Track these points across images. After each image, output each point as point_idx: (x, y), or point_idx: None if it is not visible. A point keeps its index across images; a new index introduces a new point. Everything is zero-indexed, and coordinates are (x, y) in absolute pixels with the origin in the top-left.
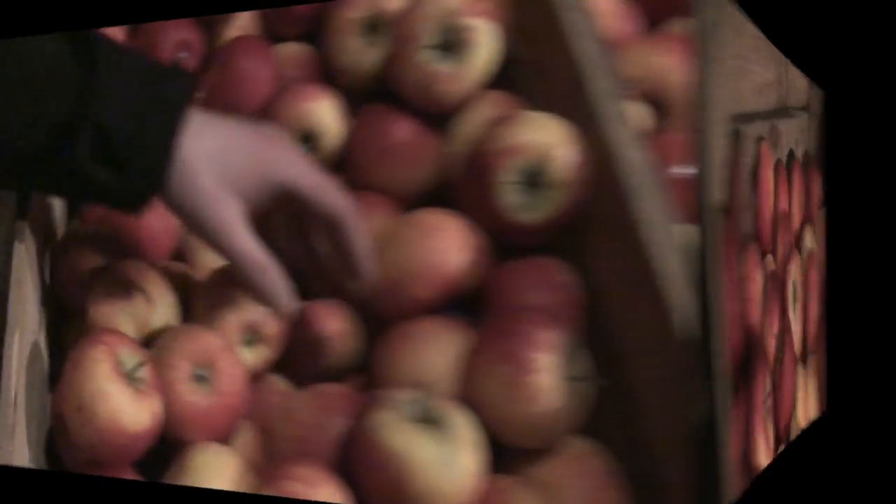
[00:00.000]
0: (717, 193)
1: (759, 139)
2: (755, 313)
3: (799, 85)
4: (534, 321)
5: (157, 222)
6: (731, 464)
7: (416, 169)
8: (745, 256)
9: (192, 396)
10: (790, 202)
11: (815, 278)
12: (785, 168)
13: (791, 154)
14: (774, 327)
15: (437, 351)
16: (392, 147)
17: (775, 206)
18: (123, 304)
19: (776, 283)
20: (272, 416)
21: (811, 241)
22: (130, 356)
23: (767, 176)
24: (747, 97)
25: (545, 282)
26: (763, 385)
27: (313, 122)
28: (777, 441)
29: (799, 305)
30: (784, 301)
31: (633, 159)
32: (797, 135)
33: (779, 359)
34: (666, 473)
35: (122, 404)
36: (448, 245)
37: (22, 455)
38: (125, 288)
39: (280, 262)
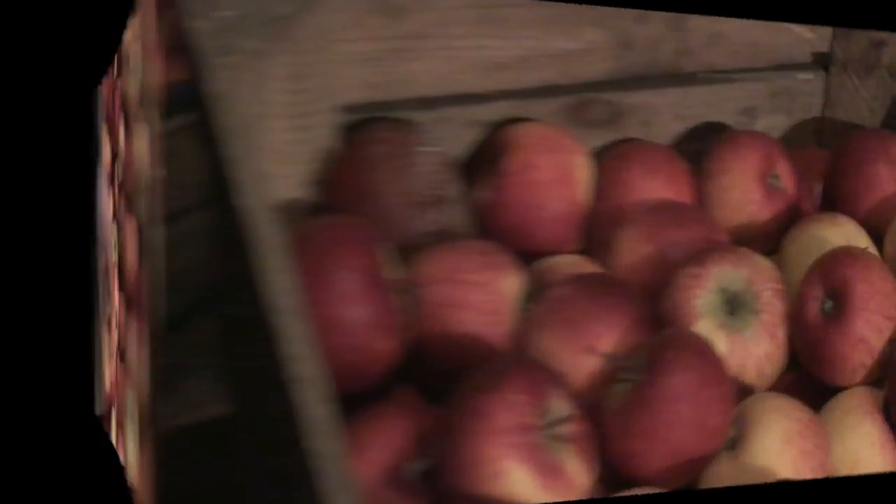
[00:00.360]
0: (293, 192)
1: (507, 122)
2: (472, 320)
3: (782, 40)
4: None
5: None
6: (336, 479)
7: None
8: (428, 257)
9: (113, 371)
10: (723, 191)
11: (871, 287)
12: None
13: (712, 129)
14: (571, 342)
15: None
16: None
17: (603, 200)
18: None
19: (590, 288)
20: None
21: (841, 235)
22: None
23: (537, 162)
24: (447, 78)
25: None
26: (533, 407)
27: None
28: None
29: (768, 320)
30: (661, 313)
31: None
32: (760, 102)
33: (625, 380)
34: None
35: (108, 374)
36: None
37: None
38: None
39: None
